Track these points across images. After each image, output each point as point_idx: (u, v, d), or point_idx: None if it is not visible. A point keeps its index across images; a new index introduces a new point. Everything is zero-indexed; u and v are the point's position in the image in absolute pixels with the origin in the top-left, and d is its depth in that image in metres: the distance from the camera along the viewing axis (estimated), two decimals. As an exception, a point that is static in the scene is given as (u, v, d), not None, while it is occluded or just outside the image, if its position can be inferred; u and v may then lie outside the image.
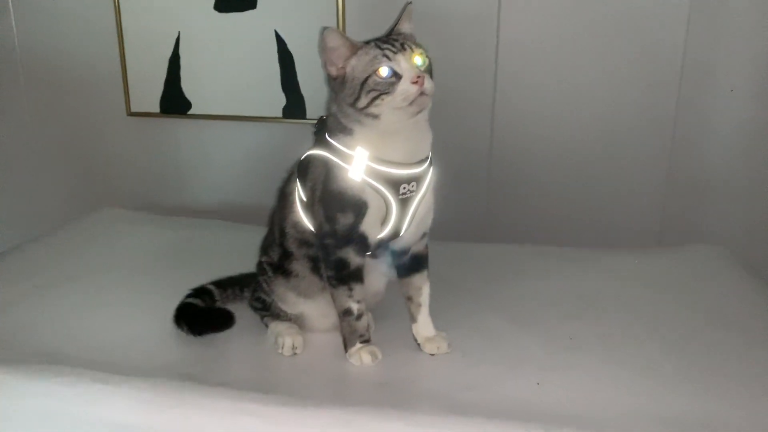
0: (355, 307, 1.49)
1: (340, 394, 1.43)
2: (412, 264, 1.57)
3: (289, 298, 1.59)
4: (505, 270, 2.01)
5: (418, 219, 1.49)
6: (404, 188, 1.42)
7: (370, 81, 1.34)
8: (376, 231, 1.46)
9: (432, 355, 1.54)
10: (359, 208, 1.41)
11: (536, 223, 2.59)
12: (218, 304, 1.75)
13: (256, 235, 1.99)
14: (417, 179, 1.44)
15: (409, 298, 1.58)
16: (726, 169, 2.45)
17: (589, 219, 2.55)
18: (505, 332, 1.64)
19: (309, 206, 1.49)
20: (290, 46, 2.57)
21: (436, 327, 1.59)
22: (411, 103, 1.34)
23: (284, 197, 1.59)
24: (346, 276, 1.47)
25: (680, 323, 1.68)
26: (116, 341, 1.61)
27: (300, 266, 1.56)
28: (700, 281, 1.91)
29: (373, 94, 1.34)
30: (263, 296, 1.64)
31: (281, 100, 2.64)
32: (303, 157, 1.52)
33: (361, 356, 1.48)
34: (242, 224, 2.49)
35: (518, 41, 2.42)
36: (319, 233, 1.47)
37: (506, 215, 2.60)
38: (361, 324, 1.50)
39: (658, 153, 2.46)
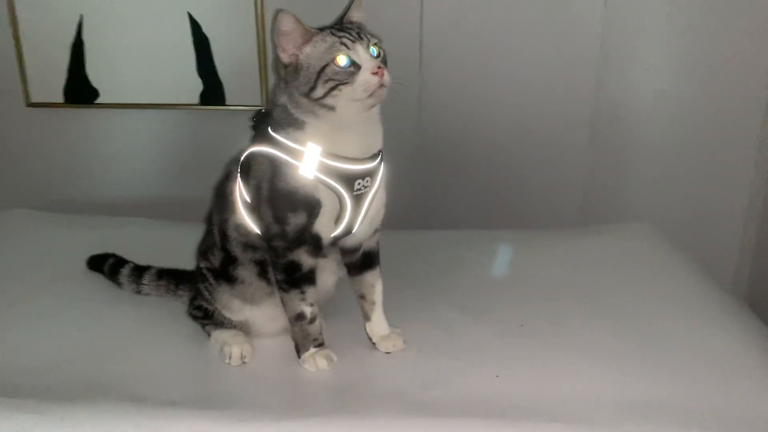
0: (308, 310, 1.42)
1: (297, 403, 1.36)
2: (363, 261, 1.51)
3: (234, 306, 1.51)
4: (446, 257, 1.99)
5: (371, 215, 1.43)
6: (359, 184, 1.36)
7: (327, 69, 1.26)
8: (329, 230, 1.39)
9: (388, 353, 1.50)
10: (312, 207, 1.34)
11: (466, 207, 2.59)
12: (145, 289, 1.74)
13: (178, 232, 1.88)
14: (371, 174, 1.38)
15: (362, 296, 1.53)
16: (645, 146, 2.51)
17: (516, 200, 2.58)
18: (457, 323, 1.61)
19: (254, 207, 1.40)
20: (206, 29, 2.43)
21: (388, 321, 1.54)
22: (370, 95, 1.27)
23: (223, 197, 1.49)
24: (298, 279, 1.40)
25: (623, 304, 1.70)
26: (39, 361, 1.47)
27: (246, 271, 1.47)
28: (635, 259, 1.96)
29: (331, 83, 1.26)
30: (204, 304, 1.54)
31: (198, 85, 2.49)
32: (245, 155, 1.42)
33: (317, 361, 1.42)
34: (162, 220, 2.36)
35: (442, 23, 2.39)
36: (267, 235, 1.39)
37: (435, 200, 2.58)
38: (315, 327, 1.44)
39: (580, 131, 2.49)
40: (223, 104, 2.50)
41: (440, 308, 1.68)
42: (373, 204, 1.42)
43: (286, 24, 1.28)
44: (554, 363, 1.45)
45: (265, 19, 2.39)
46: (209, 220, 1.56)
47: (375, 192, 1.41)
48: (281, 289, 1.42)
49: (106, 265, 1.82)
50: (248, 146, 1.43)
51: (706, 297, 1.73)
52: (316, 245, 1.39)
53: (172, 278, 1.71)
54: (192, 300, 1.60)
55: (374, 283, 1.52)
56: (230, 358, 1.45)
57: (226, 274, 1.49)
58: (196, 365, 1.49)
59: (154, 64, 2.48)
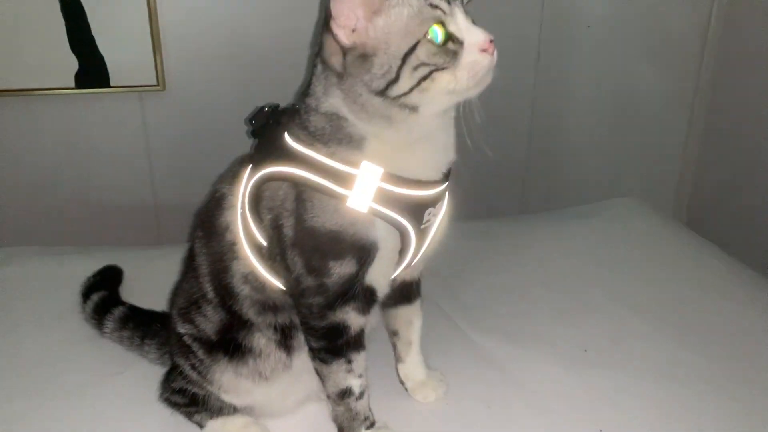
0: (356, 384, 1.01)
1: None
2: (401, 292, 1.13)
3: (241, 387, 1.05)
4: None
5: (432, 246, 1.04)
6: (428, 213, 0.96)
7: (418, 50, 0.83)
8: (387, 277, 0.99)
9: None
10: (365, 251, 0.92)
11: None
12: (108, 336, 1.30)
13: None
14: (441, 198, 0.99)
15: (395, 333, 1.19)
16: (585, 111, 2.39)
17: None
18: (502, 355, 1.28)
19: (274, 251, 0.96)
20: (78, -7, 1.86)
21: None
22: (476, 83, 0.86)
23: (214, 234, 1.02)
24: (342, 345, 0.98)
25: (642, 284, 1.56)
26: None
27: (263, 340, 1.03)
28: (637, 234, 1.83)
29: (423, 71, 0.83)
30: (189, 387, 1.07)
31: (71, 64, 1.92)
32: (255, 179, 0.96)
33: None
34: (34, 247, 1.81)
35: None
36: (297, 290, 0.95)
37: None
38: (364, 404, 1.04)
39: (523, 102, 2.31)
40: (107, 86, 1.97)
41: (471, 334, 1.35)
42: (437, 233, 1.03)
43: None
44: (641, 397, 1.18)
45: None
46: (188, 266, 1.09)
47: (441, 218, 1.02)
48: (320, 360, 1.00)
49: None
50: (251, 161, 0.99)
51: (716, 269, 1.64)
52: (368, 300, 0.98)
53: (138, 327, 1.26)
54: (167, 380, 1.12)
55: (412, 319, 1.17)
56: (255, 453, 1.01)
57: (228, 344, 1.03)
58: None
59: (9, 41, 1.88)
